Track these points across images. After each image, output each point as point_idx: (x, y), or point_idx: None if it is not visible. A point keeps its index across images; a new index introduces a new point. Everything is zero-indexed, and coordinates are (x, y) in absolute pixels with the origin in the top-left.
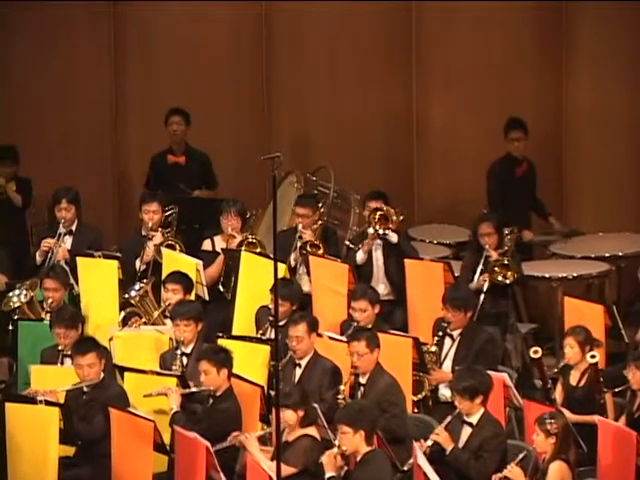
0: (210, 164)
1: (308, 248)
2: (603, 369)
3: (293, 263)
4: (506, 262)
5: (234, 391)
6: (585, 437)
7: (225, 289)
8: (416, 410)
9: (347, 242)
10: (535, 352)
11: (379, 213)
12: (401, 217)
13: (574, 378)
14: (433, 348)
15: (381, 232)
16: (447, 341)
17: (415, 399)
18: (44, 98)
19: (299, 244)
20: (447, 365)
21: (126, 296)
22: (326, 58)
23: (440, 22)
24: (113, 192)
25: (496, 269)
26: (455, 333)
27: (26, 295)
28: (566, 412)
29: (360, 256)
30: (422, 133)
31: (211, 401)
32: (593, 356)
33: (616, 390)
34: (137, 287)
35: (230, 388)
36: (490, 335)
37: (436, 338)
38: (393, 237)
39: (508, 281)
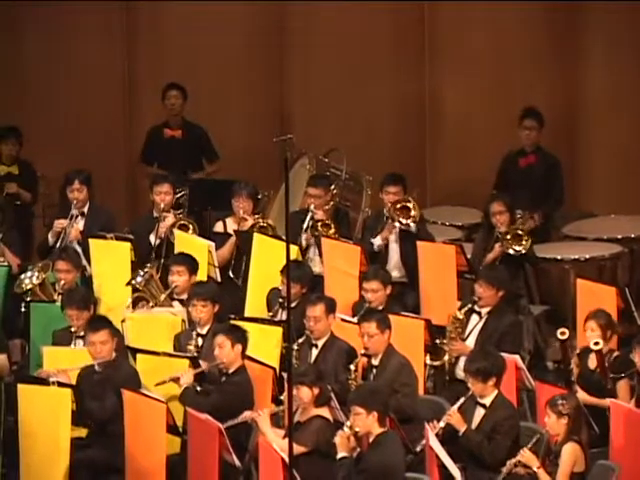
0: (207, 137)
1: (319, 227)
2: (618, 354)
3: (304, 243)
4: (519, 232)
5: (247, 370)
6: (597, 419)
7: (235, 275)
8: (429, 384)
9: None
10: (562, 333)
11: (399, 205)
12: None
13: (592, 362)
14: (460, 316)
15: (404, 222)
16: (474, 317)
17: (436, 364)
18: (56, 82)
19: (310, 223)
20: (470, 342)
21: (132, 282)
22: (339, 41)
23: (453, 8)
24: (125, 174)
25: (508, 238)
26: (483, 311)
27: (38, 277)
28: (582, 393)
29: (377, 243)
30: (434, 115)
31: (223, 379)
32: (597, 343)
33: (622, 375)
34: (142, 272)
35: (243, 366)
36: (516, 319)
37: (465, 309)
38: (412, 226)
39: (523, 250)
